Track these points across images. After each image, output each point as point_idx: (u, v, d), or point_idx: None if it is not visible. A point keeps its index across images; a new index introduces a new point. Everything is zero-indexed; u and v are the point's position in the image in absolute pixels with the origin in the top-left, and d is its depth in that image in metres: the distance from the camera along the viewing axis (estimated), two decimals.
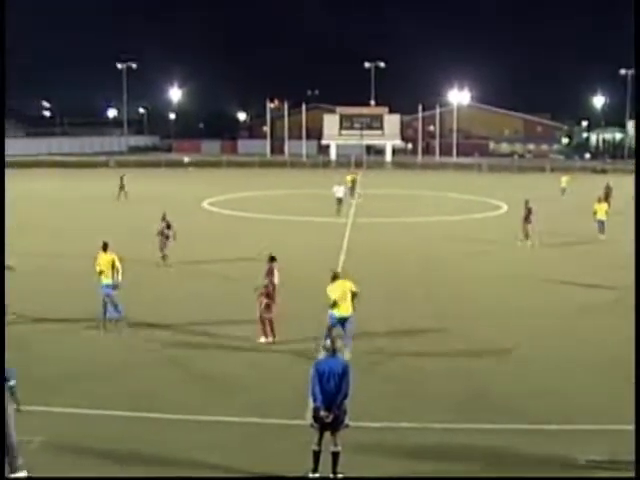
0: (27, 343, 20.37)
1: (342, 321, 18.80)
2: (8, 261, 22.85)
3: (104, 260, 21.72)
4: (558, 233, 40.16)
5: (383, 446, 13.93)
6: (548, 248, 36.24)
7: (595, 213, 39.92)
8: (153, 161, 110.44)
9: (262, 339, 20.36)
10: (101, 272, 21.63)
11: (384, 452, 13.67)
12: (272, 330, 20.53)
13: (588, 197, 50.17)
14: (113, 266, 21.74)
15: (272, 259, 21.33)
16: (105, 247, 22.07)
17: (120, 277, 21.82)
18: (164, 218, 32.16)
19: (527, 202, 38.48)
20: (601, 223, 39.46)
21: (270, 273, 20.89)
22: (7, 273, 22.69)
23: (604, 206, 40.52)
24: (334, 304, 18.72)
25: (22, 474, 12.46)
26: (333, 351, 13.01)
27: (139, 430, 14.67)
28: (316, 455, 12.56)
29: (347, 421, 12.70)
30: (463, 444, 14.03)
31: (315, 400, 12.53)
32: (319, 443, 12.58)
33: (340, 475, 12.45)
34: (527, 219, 37.40)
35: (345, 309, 18.77)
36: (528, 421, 15.00)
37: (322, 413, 12.40)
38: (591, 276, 29.12)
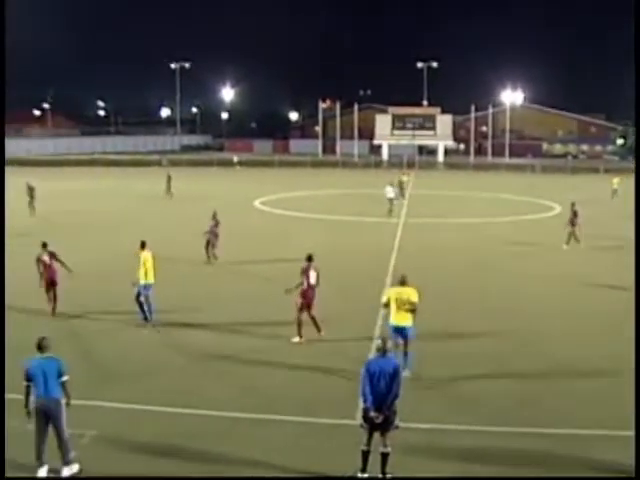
0: (77, 339, 20.69)
1: (398, 331, 17.40)
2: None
3: (148, 259, 21.94)
4: (606, 236, 39.59)
5: (432, 447, 13.89)
6: (597, 251, 35.78)
7: None
8: (205, 160, 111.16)
9: (295, 339, 20.35)
10: (145, 272, 21.79)
11: (433, 453, 13.64)
12: (301, 329, 20.42)
13: None
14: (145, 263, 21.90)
15: (309, 259, 21.01)
16: (143, 246, 22.23)
17: (151, 278, 21.93)
18: (214, 217, 32.56)
19: (573, 204, 37.60)
20: None
21: (305, 273, 20.62)
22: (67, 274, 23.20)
23: None
24: (386, 306, 17.85)
25: (75, 468, 12.65)
26: (384, 351, 12.91)
27: (187, 426, 14.79)
28: (365, 455, 12.55)
29: (397, 422, 12.63)
30: (513, 448, 13.94)
31: (365, 401, 12.50)
32: (368, 443, 12.55)
33: (389, 475, 12.45)
34: (573, 222, 36.72)
35: (400, 318, 17.45)
36: (578, 426, 14.85)
37: (372, 414, 12.36)
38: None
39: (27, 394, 12.55)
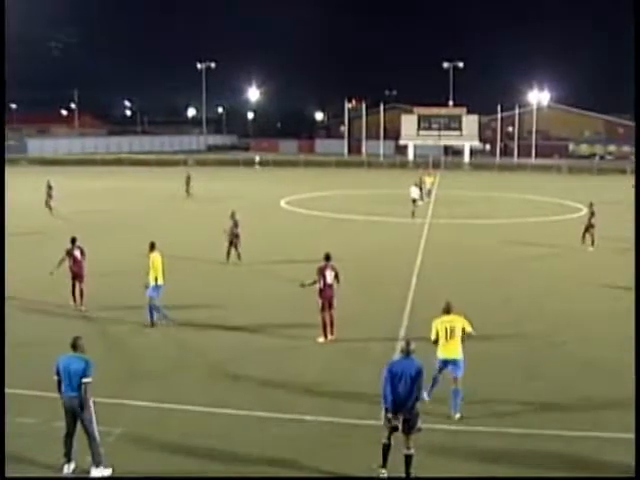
0: (102, 337, 20.84)
1: (447, 364, 15.45)
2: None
3: (158, 260, 21.77)
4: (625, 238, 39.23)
5: (456, 448, 13.87)
6: (621, 253, 35.54)
7: None
8: (231, 160, 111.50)
9: (320, 339, 20.38)
10: (157, 273, 21.65)
11: (456, 454, 13.62)
12: (326, 329, 20.44)
13: None
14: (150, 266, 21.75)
15: (326, 258, 20.93)
16: (152, 247, 22.10)
17: (161, 279, 21.75)
18: (233, 216, 32.33)
19: (591, 205, 37.14)
20: None
21: (321, 272, 20.52)
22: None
23: None
24: (435, 342, 15.50)
25: (106, 472, 12.68)
26: (407, 352, 12.90)
27: (214, 425, 14.86)
28: (385, 449, 12.53)
29: (420, 424, 12.58)
30: (536, 449, 13.90)
31: (386, 402, 12.52)
32: (389, 437, 12.54)
33: (413, 476, 12.44)
34: (591, 223, 36.36)
35: (451, 350, 15.36)
36: (601, 429, 14.79)
37: (389, 415, 12.40)
38: None
39: (58, 388, 12.81)
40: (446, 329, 15.40)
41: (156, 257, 21.75)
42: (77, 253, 23.79)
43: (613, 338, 21.26)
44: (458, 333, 15.40)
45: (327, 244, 36.35)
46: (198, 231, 40.96)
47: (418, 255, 34.12)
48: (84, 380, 12.61)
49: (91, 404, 12.72)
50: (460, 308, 17.70)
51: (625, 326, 22.46)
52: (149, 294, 21.50)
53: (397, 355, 13.17)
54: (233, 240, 31.70)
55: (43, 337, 20.08)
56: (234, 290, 27.05)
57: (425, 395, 14.87)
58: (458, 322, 15.58)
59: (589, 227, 36.31)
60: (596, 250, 35.43)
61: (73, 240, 24.06)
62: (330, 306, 20.43)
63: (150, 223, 43.84)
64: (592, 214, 36.39)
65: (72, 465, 12.71)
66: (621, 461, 13.32)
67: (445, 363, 15.39)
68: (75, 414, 12.66)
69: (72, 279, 23.71)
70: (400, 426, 12.41)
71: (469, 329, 15.64)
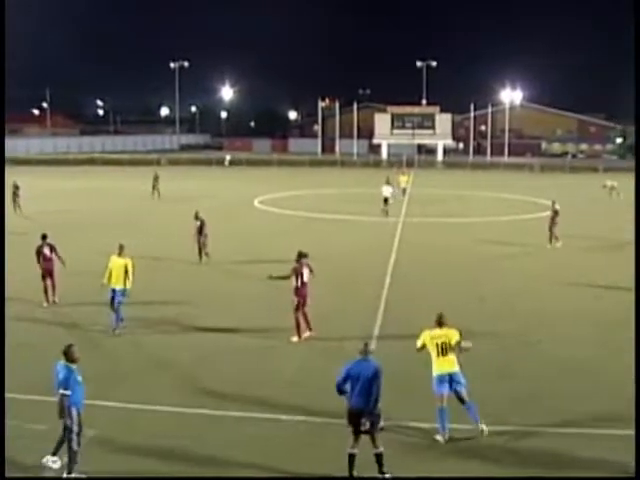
0: (74, 339, 20.67)
1: (443, 380, 14.42)
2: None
3: (117, 264, 21.13)
4: (601, 236, 39.55)
5: (433, 446, 13.88)
6: (594, 250, 35.77)
7: None
8: (204, 159, 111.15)
9: (294, 338, 20.25)
10: (111, 276, 21.11)
11: (434, 452, 13.63)
12: (300, 328, 20.31)
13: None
14: (126, 271, 21.11)
15: (300, 256, 20.71)
16: (121, 250, 21.52)
17: (130, 284, 21.23)
18: (197, 217, 31.86)
19: (554, 203, 37.55)
20: None
21: (297, 271, 20.41)
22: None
23: None
24: (419, 350, 14.87)
25: (56, 465, 12.78)
26: (365, 353, 12.83)
27: (188, 425, 14.78)
28: (351, 458, 12.46)
29: (382, 424, 12.62)
30: (511, 446, 13.94)
31: (350, 402, 12.57)
32: (354, 446, 12.46)
33: (388, 475, 12.41)
34: (554, 220, 36.59)
35: (445, 365, 14.47)
36: (577, 425, 14.87)
37: (360, 419, 12.35)
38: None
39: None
40: (437, 345, 14.52)
41: (116, 261, 21.26)
42: (46, 250, 24.06)
43: (588, 337, 21.35)
44: (452, 348, 14.51)
45: (301, 243, 36.19)
46: (169, 231, 40.69)
47: (392, 254, 34.15)
48: (60, 391, 12.56)
49: (73, 413, 12.60)
50: (434, 307, 17.68)
51: (600, 325, 22.66)
52: (121, 299, 21.11)
53: (356, 356, 12.89)
54: (200, 240, 31.45)
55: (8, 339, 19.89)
56: (206, 290, 26.80)
57: (439, 437, 14.06)
58: (451, 337, 14.60)
59: (552, 226, 36.44)
60: (569, 249, 35.57)
61: (44, 237, 24.31)
62: (304, 304, 20.37)
63: (120, 223, 43.55)
64: (555, 212, 36.62)
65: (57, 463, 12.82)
66: (596, 456, 13.42)
67: (441, 379, 14.37)
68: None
69: (42, 277, 23.92)
70: (363, 428, 12.36)
71: (463, 343, 14.64)
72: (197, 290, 26.73)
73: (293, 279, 20.40)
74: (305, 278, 20.44)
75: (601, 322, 22.91)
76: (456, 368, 14.47)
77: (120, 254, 21.38)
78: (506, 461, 13.34)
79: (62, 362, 12.88)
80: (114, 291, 21.01)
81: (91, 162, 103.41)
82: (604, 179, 65.36)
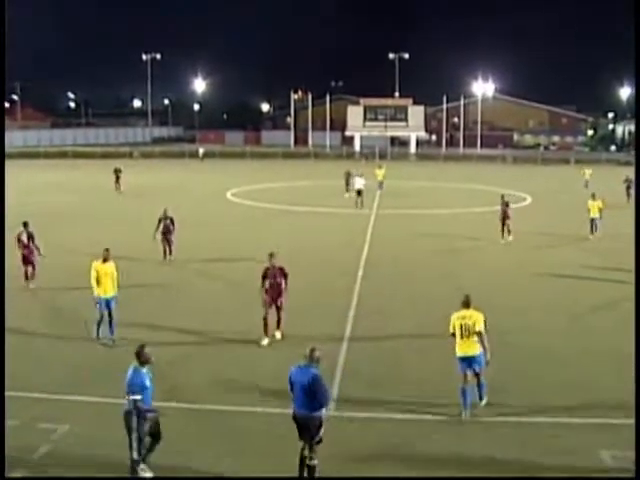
0: (51, 333, 20.54)
1: (467, 362, 14.95)
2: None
3: (105, 271, 19.47)
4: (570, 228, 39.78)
5: (409, 439, 13.92)
6: (567, 241, 35.95)
7: (588, 211, 37.33)
8: (177, 152, 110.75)
9: (263, 341, 19.38)
10: (100, 285, 19.35)
11: (411, 446, 13.66)
12: (267, 328, 19.46)
13: (612, 190, 50.20)
14: (112, 277, 19.69)
15: (271, 256, 19.86)
16: (107, 256, 19.77)
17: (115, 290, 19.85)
18: (166, 215, 30.32)
19: (503, 197, 37.28)
20: (593, 221, 37.05)
21: (268, 272, 19.62)
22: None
23: (597, 203, 37.22)
24: (453, 335, 15.16)
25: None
26: (310, 360, 12.06)
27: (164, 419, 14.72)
28: (300, 461, 12.15)
29: (321, 434, 12.01)
30: (486, 436, 14.02)
31: (293, 408, 12.15)
32: (303, 447, 12.14)
33: None
34: (505, 215, 35.58)
35: (467, 347, 14.93)
36: (552, 414, 14.97)
37: (300, 426, 11.99)
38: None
39: None
40: (461, 326, 14.93)
41: (103, 267, 19.57)
42: (24, 238, 25.04)
43: (557, 327, 21.50)
44: (475, 330, 14.86)
45: (273, 236, 36.44)
46: (136, 227, 40.29)
47: (365, 246, 34.21)
48: (131, 397, 12.16)
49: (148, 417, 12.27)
50: (406, 299, 17.78)
51: (565, 315, 22.82)
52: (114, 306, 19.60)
53: (300, 361, 12.33)
54: (166, 237, 30.13)
55: None
56: (173, 290, 25.90)
57: (464, 413, 14.67)
58: (475, 320, 14.97)
59: (504, 219, 35.64)
60: (505, 243, 35.37)
61: (25, 224, 25.40)
62: (275, 304, 19.65)
63: (86, 218, 43.27)
64: (506, 205, 35.89)
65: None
66: (571, 445, 13.59)
67: (463, 360, 14.88)
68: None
69: (23, 264, 25.12)
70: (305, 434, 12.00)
71: (479, 328, 14.91)
72: (162, 291, 26.03)
73: (261, 280, 19.65)
74: (278, 278, 19.57)
75: (569, 314, 23.09)
76: (478, 351, 14.83)
77: (106, 260, 19.65)
78: (481, 452, 13.40)
79: (134, 364, 12.42)
80: (107, 301, 19.34)
81: (63, 155, 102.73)
82: (582, 169, 66.73)
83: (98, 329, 19.36)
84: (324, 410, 12.10)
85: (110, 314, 19.37)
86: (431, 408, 15.12)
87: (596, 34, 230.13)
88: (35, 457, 12.75)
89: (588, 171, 64.88)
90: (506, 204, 36.02)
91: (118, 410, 14.94)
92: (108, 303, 19.34)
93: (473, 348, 14.85)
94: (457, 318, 15.09)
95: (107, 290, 19.39)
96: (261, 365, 17.84)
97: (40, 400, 15.26)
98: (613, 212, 40.17)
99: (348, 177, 55.81)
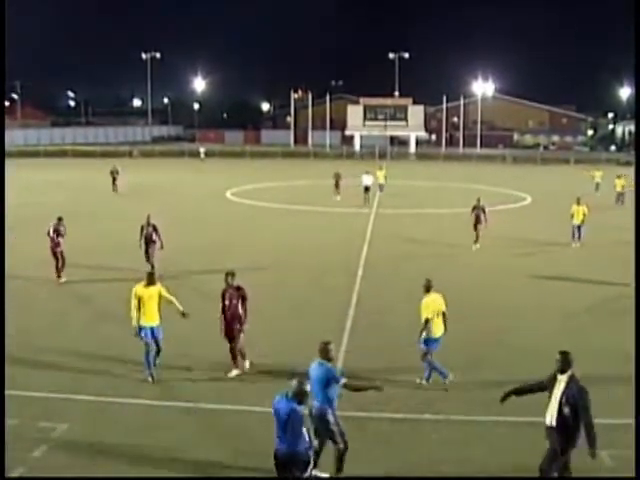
0: (51, 333, 20.55)
1: (438, 341, 16.28)
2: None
3: (148, 295, 16.85)
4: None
5: (402, 435, 13.93)
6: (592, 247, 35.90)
7: (572, 216, 34.93)
8: (176, 151, 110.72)
9: (232, 373, 17.04)
10: (142, 313, 16.75)
11: (407, 443, 13.67)
12: (235, 359, 17.14)
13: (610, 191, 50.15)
14: (159, 300, 17.08)
15: (229, 275, 17.27)
16: (151, 278, 17.21)
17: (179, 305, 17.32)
18: (148, 222, 27.97)
19: (479, 200, 34.74)
20: (577, 228, 34.70)
21: (225, 293, 17.15)
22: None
23: (582, 208, 34.59)
24: (426, 322, 16.04)
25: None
26: (295, 394, 10.64)
27: (162, 417, 14.73)
28: None
29: (308, 473, 10.85)
30: (481, 435, 14.03)
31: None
32: None
33: None
34: (478, 219, 33.72)
35: (438, 328, 16.26)
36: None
37: (278, 463, 10.77)
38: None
39: None
40: (432, 310, 16.15)
41: (146, 291, 16.98)
42: (51, 231, 26.36)
43: (547, 328, 21.52)
44: (442, 311, 16.38)
45: (273, 235, 36.53)
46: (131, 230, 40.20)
47: (364, 245, 34.23)
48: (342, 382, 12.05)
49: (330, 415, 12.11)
50: (404, 297, 17.68)
51: (566, 316, 22.85)
52: (160, 336, 17.10)
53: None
54: (147, 247, 27.66)
55: None
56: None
57: (449, 377, 16.05)
58: (441, 300, 16.49)
59: (477, 223, 33.81)
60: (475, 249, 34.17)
61: (59, 218, 26.89)
62: (230, 334, 17.05)
63: (82, 218, 43.24)
64: (482, 210, 34.04)
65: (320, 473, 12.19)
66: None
67: (437, 340, 16.21)
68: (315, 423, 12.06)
69: (53, 257, 26.28)
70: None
71: (444, 308, 16.49)
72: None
73: (227, 302, 17.04)
74: (227, 302, 17.02)
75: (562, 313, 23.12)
76: (441, 333, 16.28)
77: (150, 283, 17.02)
78: (475, 450, 13.42)
79: (318, 360, 12.26)
80: (152, 330, 16.78)
81: (63, 154, 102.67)
82: (592, 172, 62.34)
83: (148, 363, 16.70)
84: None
85: (158, 344, 16.91)
86: (429, 407, 15.14)
87: (596, 34, 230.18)
88: (34, 456, 12.77)
89: (598, 173, 60.14)
90: (482, 209, 34.07)
91: (117, 409, 15.10)
92: (153, 332, 16.81)
93: (441, 328, 16.27)
94: (431, 302, 16.19)
95: (152, 317, 16.80)
96: (258, 369, 17.86)
97: (39, 399, 15.28)
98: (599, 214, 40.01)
99: (338, 179, 54.26)
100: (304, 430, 10.61)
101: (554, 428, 11.28)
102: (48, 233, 26.45)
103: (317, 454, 12.04)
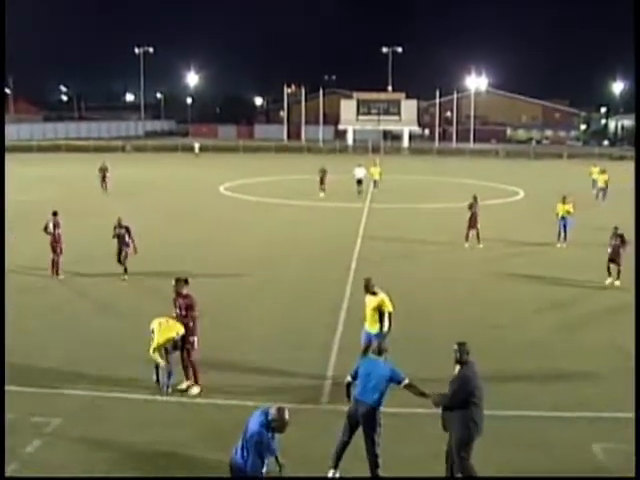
0: (44, 325, 20.54)
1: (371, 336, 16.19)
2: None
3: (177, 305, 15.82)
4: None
5: (399, 430, 13.94)
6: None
7: (557, 215, 33.74)
8: (170, 146, 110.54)
9: (193, 390, 15.73)
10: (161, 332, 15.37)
11: (404, 437, 13.68)
12: (187, 374, 15.85)
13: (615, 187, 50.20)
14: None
15: (178, 282, 15.97)
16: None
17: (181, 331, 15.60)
18: (120, 224, 26.34)
19: (475, 198, 34.05)
20: (562, 226, 33.40)
21: (175, 302, 15.96)
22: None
23: (567, 207, 33.33)
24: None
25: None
26: (275, 420, 9.85)
27: (159, 412, 14.73)
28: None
29: None
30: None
31: None
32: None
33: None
34: (473, 219, 32.89)
35: (372, 324, 16.55)
36: (540, 408, 15.04)
37: None
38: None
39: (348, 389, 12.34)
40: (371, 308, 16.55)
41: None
42: (50, 225, 26.27)
43: (546, 322, 21.59)
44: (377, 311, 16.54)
45: (267, 229, 36.53)
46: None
47: (357, 240, 34.26)
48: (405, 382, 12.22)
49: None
50: (398, 292, 17.63)
51: (560, 312, 22.92)
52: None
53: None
54: (121, 247, 26.07)
55: None
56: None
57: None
58: (381, 301, 16.58)
59: (473, 223, 32.99)
60: (471, 246, 33.20)
61: (55, 213, 26.65)
62: (182, 347, 15.72)
63: (69, 216, 43.09)
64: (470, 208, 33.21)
65: (337, 473, 12.15)
66: (562, 438, 13.70)
67: (368, 335, 16.40)
68: (358, 422, 11.98)
69: (53, 252, 26.11)
70: None
71: (385, 308, 16.55)
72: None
73: (181, 312, 15.86)
74: (181, 311, 15.82)
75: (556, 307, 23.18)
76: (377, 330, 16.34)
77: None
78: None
79: (378, 359, 12.29)
80: (166, 349, 15.40)
81: (56, 149, 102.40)
82: (590, 168, 56.26)
83: (161, 376, 15.74)
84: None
85: (183, 359, 15.71)
86: (424, 401, 15.15)
87: (589, 29, 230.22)
88: (27, 451, 12.75)
89: (595, 169, 54.20)
90: (472, 206, 33.33)
91: (111, 404, 15.08)
92: (166, 350, 15.44)
93: (375, 325, 16.50)
94: (370, 301, 16.62)
95: (166, 333, 15.36)
96: (253, 355, 17.88)
97: (32, 394, 15.27)
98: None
99: (323, 175, 52.66)
100: (266, 456, 9.80)
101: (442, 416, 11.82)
102: (46, 228, 26.21)
103: (338, 456, 12.12)
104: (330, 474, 12.09)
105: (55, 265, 26.07)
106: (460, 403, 11.42)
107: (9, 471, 12.06)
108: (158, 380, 15.62)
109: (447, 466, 11.82)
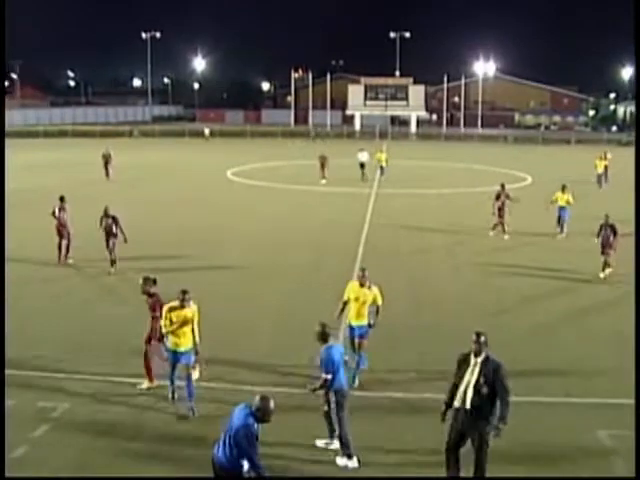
0: (52, 310, 20.57)
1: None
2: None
3: (180, 317, 14.31)
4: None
5: (401, 411, 13.92)
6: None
7: (552, 202, 32.92)
8: (177, 131, 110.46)
9: (142, 385, 15.35)
10: (170, 333, 14.36)
11: (404, 423, 13.67)
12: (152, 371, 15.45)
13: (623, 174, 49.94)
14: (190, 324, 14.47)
15: (146, 282, 15.48)
16: (184, 298, 14.33)
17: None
18: (107, 213, 25.34)
19: (503, 186, 32.64)
20: (560, 215, 32.67)
21: (153, 304, 15.29)
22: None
23: (567, 197, 32.41)
24: (343, 305, 16.20)
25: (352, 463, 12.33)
26: (258, 409, 9.46)
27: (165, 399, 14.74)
28: None
29: None
30: None
31: None
32: None
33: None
34: (502, 207, 31.89)
35: (356, 316, 16.06)
36: (545, 394, 15.05)
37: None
38: None
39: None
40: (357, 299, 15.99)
41: (179, 313, 14.39)
42: (56, 210, 26.44)
43: (555, 309, 21.55)
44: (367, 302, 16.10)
45: (274, 215, 36.53)
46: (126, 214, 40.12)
47: (365, 225, 34.23)
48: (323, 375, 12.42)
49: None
50: (406, 278, 17.54)
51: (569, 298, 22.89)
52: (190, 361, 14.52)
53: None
54: (109, 237, 25.13)
55: None
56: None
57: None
58: (371, 293, 16.17)
59: (502, 213, 32.01)
60: (495, 235, 32.61)
61: (61, 198, 26.80)
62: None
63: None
64: (507, 197, 32.22)
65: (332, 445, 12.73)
66: (568, 424, 13.75)
67: (351, 329, 16.07)
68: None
69: (59, 236, 26.28)
70: None
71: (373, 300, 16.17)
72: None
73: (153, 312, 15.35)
74: (155, 312, 15.27)
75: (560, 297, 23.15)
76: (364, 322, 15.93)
77: (183, 303, 14.34)
78: None
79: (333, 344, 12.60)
80: (179, 355, 14.41)
81: (62, 134, 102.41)
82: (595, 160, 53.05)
83: (173, 388, 14.75)
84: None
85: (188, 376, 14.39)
86: (431, 386, 15.17)
87: (598, 14, 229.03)
88: (35, 435, 12.80)
89: (602, 162, 51.23)
90: (507, 195, 32.22)
91: (118, 389, 15.11)
92: (178, 359, 14.45)
93: (361, 318, 15.98)
94: (351, 288, 16.18)
95: (180, 341, 14.39)
96: (256, 351, 17.89)
97: (40, 378, 15.30)
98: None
99: (323, 161, 51.96)
100: (253, 451, 9.31)
101: (468, 410, 11.01)
102: (53, 213, 26.39)
103: (343, 443, 12.33)
104: (319, 443, 12.70)
105: (61, 249, 26.20)
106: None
107: (18, 454, 12.14)
108: (174, 397, 14.61)
109: (448, 463, 11.43)
